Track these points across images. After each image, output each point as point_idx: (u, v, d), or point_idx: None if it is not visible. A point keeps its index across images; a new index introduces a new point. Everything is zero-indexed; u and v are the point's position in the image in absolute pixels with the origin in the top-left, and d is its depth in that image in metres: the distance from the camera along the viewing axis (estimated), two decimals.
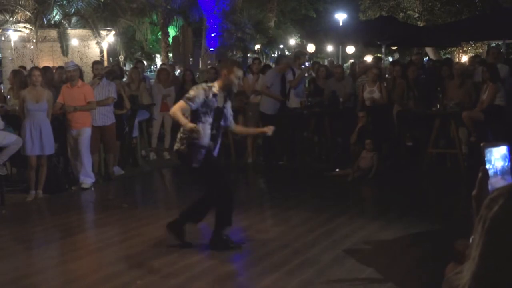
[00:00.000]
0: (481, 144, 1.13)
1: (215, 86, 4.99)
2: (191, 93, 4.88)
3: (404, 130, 9.13)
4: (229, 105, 5.19)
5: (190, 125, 4.73)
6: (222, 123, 5.12)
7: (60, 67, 9.55)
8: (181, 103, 4.92)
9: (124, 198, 7.43)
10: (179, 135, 5.03)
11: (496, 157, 1.11)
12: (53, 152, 7.45)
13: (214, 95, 4.92)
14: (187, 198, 7.53)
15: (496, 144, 1.14)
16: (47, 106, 7.23)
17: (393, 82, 9.30)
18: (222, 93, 5.01)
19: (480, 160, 1.13)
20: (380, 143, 8.71)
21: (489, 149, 1.11)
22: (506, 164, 1.13)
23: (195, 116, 4.89)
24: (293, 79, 9.34)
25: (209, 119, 4.91)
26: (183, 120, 4.81)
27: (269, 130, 5.25)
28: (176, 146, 5.05)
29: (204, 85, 5.12)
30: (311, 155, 9.91)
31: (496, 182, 1.09)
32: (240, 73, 5.06)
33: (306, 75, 9.77)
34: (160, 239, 5.48)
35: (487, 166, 1.10)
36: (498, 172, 1.11)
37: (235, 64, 5.18)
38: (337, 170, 8.56)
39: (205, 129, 4.90)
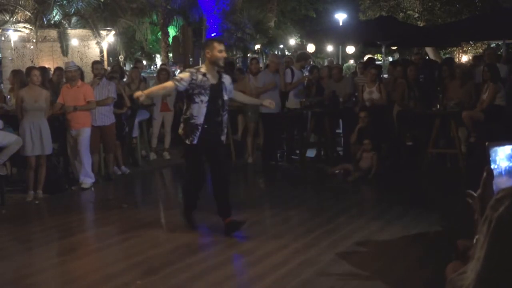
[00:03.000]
0: (486, 144, 1.11)
1: (203, 67, 5.31)
2: (179, 75, 5.29)
3: (404, 130, 9.12)
4: (227, 78, 5.43)
5: (137, 93, 5.18)
6: (225, 97, 5.35)
7: (59, 68, 9.53)
8: (168, 82, 5.42)
9: (124, 198, 7.42)
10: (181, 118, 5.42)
11: (501, 157, 1.09)
12: (52, 151, 7.44)
13: (204, 74, 5.21)
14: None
15: (501, 143, 1.12)
16: (45, 106, 7.22)
17: (393, 82, 9.29)
18: (213, 70, 5.27)
19: (480, 160, 1.12)
20: (380, 143, 8.70)
21: (494, 149, 1.09)
22: (511, 164, 1.11)
23: (190, 98, 5.22)
24: (291, 83, 9.31)
25: (204, 98, 5.19)
26: (147, 90, 5.55)
27: (270, 104, 5.71)
28: (179, 129, 5.41)
29: (191, 69, 5.40)
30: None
31: (501, 182, 1.07)
32: (220, 46, 5.29)
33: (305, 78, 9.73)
34: (160, 239, 5.48)
35: (492, 166, 1.08)
36: (503, 172, 1.09)
37: (214, 41, 5.49)
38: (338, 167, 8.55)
39: (201, 109, 5.19)
